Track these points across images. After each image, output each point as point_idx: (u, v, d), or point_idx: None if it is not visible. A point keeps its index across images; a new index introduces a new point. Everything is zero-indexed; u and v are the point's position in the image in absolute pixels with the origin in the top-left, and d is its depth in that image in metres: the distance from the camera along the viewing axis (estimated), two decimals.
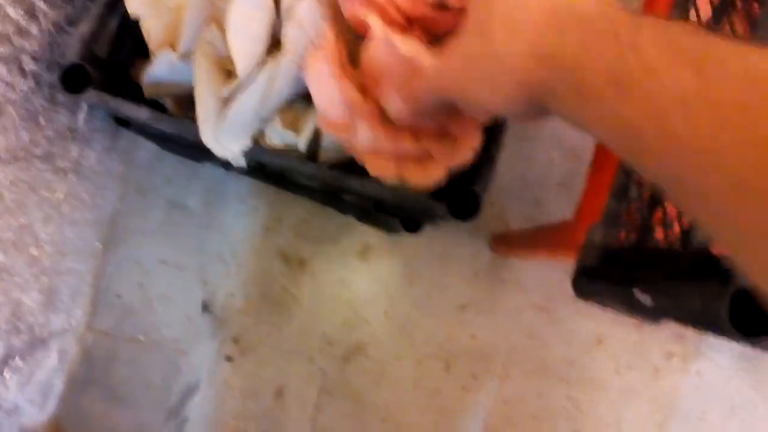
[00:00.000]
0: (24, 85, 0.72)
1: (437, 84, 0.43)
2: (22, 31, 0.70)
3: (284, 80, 0.59)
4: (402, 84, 0.49)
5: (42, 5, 0.72)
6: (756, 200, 0.23)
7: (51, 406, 1.01)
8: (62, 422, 1.03)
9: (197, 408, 1.05)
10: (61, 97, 0.79)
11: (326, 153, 0.68)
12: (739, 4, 0.65)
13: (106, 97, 0.66)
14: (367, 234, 1.05)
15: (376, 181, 0.67)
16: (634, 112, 0.27)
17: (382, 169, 0.57)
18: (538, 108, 0.36)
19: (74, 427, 1.03)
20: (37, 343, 0.92)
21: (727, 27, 0.65)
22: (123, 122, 0.84)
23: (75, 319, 1.01)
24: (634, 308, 0.57)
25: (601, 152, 0.73)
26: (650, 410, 1.06)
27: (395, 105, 0.50)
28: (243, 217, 1.05)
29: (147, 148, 1.04)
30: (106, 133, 0.95)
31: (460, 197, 0.65)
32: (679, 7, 0.67)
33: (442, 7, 0.51)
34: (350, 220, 1.04)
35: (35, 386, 0.95)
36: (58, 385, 1.02)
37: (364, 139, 0.55)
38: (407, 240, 1.05)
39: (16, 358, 0.87)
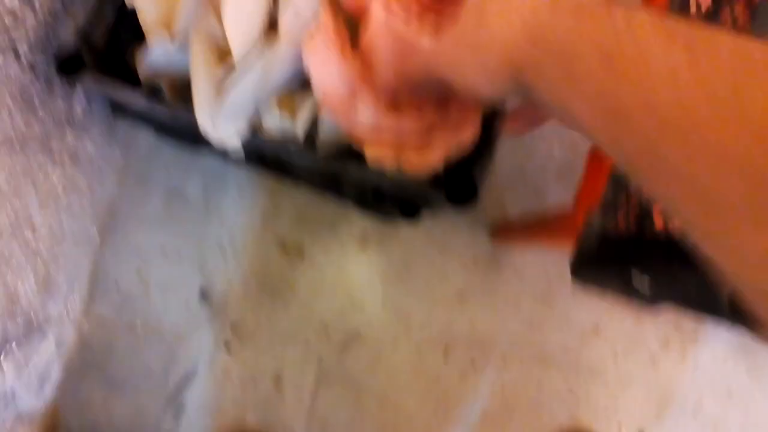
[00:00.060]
0: (20, 72, 0.71)
1: (430, 61, 0.43)
2: (17, 19, 0.70)
3: (281, 65, 0.59)
4: (397, 62, 0.48)
5: None
6: (734, 174, 0.23)
7: (48, 392, 1.01)
8: (60, 409, 1.03)
9: (195, 395, 1.05)
10: (58, 84, 0.79)
11: (324, 139, 0.67)
12: None
13: (102, 81, 0.65)
14: (366, 222, 1.05)
15: (374, 167, 0.67)
16: (623, 90, 0.27)
17: (380, 154, 0.57)
18: (521, 90, 0.36)
19: (72, 414, 1.04)
20: (33, 330, 0.91)
21: (728, 15, 0.65)
22: (120, 110, 0.84)
23: (72, 306, 1.01)
24: (631, 293, 0.57)
25: None
26: (647, 397, 1.07)
27: (386, 77, 0.50)
28: (241, 206, 1.05)
29: (145, 136, 1.04)
30: (103, 121, 0.95)
31: (458, 183, 0.65)
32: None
33: None
34: (349, 208, 1.04)
35: (32, 373, 0.94)
36: (56, 372, 1.02)
37: (365, 121, 0.54)
38: (406, 228, 1.05)
39: (13, 344, 0.87)
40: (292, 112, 0.64)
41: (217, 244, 1.05)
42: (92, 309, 1.04)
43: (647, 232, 0.57)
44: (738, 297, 0.26)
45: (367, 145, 0.56)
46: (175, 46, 0.65)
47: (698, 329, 1.06)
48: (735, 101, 0.23)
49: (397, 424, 1.05)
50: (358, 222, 1.05)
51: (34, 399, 0.97)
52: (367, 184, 0.77)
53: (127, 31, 0.72)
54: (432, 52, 0.43)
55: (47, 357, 0.98)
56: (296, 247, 1.05)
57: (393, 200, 0.83)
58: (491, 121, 0.63)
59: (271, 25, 0.60)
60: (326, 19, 0.55)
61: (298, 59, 0.58)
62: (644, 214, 0.58)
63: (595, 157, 0.72)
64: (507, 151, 1.05)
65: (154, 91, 0.71)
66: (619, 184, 0.62)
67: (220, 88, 0.61)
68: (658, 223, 0.56)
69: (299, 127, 0.64)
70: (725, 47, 0.25)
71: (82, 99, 0.87)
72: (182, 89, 0.70)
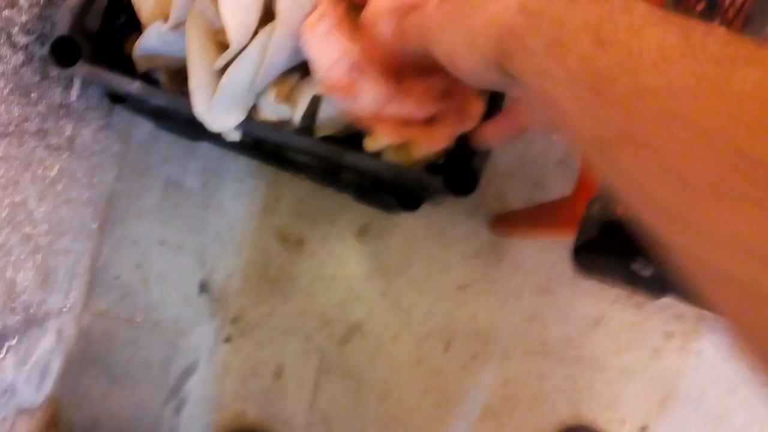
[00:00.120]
0: (14, 58, 0.71)
1: (424, 25, 0.43)
2: (12, 7, 0.69)
3: (278, 51, 0.58)
4: (396, 31, 0.48)
5: None
6: (711, 151, 0.23)
7: (48, 386, 1.01)
8: (60, 403, 1.03)
9: (196, 388, 1.04)
10: (53, 71, 0.78)
11: (322, 127, 0.67)
12: None
13: (98, 69, 0.65)
14: (365, 214, 1.04)
15: (373, 155, 0.66)
16: (611, 68, 0.27)
17: (386, 132, 0.56)
18: (499, 63, 0.36)
19: (72, 408, 1.03)
20: (33, 323, 0.91)
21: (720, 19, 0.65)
22: (117, 99, 0.84)
23: (72, 300, 1.01)
24: (635, 282, 0.57)
25: None
26: (650, 390, 1.06)
27: (384, 29, 0.50)
28: (241, 197, 1.05)
29: (143, 127, 1.03)
30: (100, 110, 0.94)
31: (458, 172, 0.64)
32: None
33: None
34: (348, 199, 1.03)
35: (32, 366, 0.94)
36: (56, 366, 1.01)
37: (369, 100, 0.54)
38: (406, 220, 1.05)
39: (13, 338, 0.87)
40: (291, 101, 0.64)
41: (216, 237, 1.04)
42: (92, 303, 1.04)
43: None
44: (688, 280, 0.26)
45: (372, 126, 0.56)
46: (171, 33, 0.64)
47: (701, 321, 1.06)
48: (722, 81, 0.23)
49: (397, 417, 1.05)
50: (357, 214, 1.04)
51: (34, 393, 0.97)
52: (365, 173, 0.76)
53: (123, 19, 0.71)
54: (429, 14, 0.43)
55: (47, 351, 0.98)
56: (296, 239, 1.05)
57: (392, 191, 0.83)
58: (492, 108, 0.62)
59: (268, 11, 0.60)
60: (328, 1, 0.55)
61: (296, 45, 0.57)
62: None
63: None
64: None
65: (150, 79, 0.71)
66: None
67: (217, 75, 0.61)
68: None
69: (297, 115, 0.64)
70: (718, 38, 0.25)
71: (78, 90, 0.86)
72: (179, 77, 0.69)
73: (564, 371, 1.06)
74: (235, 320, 1.05)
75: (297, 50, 0.57)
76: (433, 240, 1.05)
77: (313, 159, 0.82)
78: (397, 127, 0.55)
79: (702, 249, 0.24)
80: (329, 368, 1.05)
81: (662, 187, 0.25)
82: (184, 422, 1.04)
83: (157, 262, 1.04)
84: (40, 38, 0.75)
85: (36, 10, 0.72)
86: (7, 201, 0.77)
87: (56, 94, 0.81)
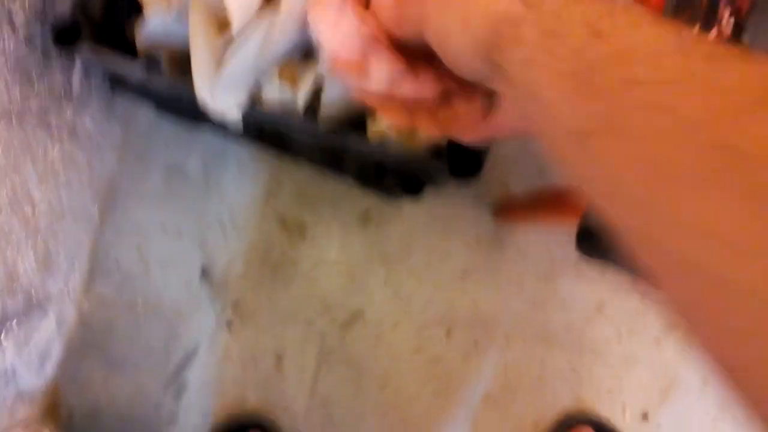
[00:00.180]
0: (16, 41, 0.70)
1: (422, 6, 0.43)
2: None
3: (281, 33, 0.57)
4: (398, 8, 0.48)
5: None
6: (693, 141, 0.23)
7: (49, 371, 1.00)
8: (60, 387, 1.03)
9: (196, 374, 1.04)
10: (55, 55, 0.77)
11: (326, 111, 0.66)
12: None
13: (100, 51, 0.64)
14: (367, 200, 1.04)
15: (378, 138, 0.66)
16: (601, 56, 0.28)
17: (393, 115, 0.55)
18: (490, 51, 0.36)
19: (72, 393, 1.03)
20: (33, 307, 0.91)
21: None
22: (119, 84, 0.83)
23: (72, 284, 1.00)
24: (637, 267, 0.56)
25: None
26: (652, 378, 1.06)
27: (385, 10, 0.49)
28: (242, 183, 1.04)
29: (144, 112, 1.02)
30: (102, 95, 0.94)
31: (462, 156, 0.64)
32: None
33: None
34: (350, 186, 1.03)
35: (33, 351, 0.94)
36: (56, 350, 1.01)
37: (379, 80, 0.53)
38: (408, 206, 1.04)
39: (13, 322, 0.87)
40: (294, 83, 0.63)
41: (217, 222, 1.04)
42: (92, 287, 1.03)
43: None
44: (651, 275, 0.26)
45: (380, 105, 0.55)
46: (174, 16, 0.64)
47: None
48: (711, 75, 0.23)
49: (398, 404, 1.05)
50: (359, 200, 1.04)
51: (34, 377, 0.97)
52: (368, 158, 0.75)
53: (125, 2, 0.71)
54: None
55: (47, 335, 0.97)
56: (297, 225, 1.04)
57: (395, 176, 0.82)
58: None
59: None
60: None
61: (300, 28, 0.57)
62: None
63: None
64: None
65: (152, 64, 0.70)
66: None
67: (219, 59, 0.60)
68: None
69: (300, 98, 0.63)
70: (710, 39, 0.26)
71: (80, 73, 0.85)
72: (181, 61, 0.69)
73: (565, 358, 1.06)
74: (235, 306, 1.04)
75: (300, 32, 0.57)
76: (434, 227, 1.05)
77: (315, 143, 0.82)
78: (403, 111, 0.55)
79: (673, 240, 0.23)
80: (330, 355, 1.05)
81: (641, 178, 0.25)
82: (184, 407, 1.04)
83: (158, 247, 1.04)
84: (43, 23, 0.74)
85: None
86: (7, 184, 0.76)
87: (57, 77, 0.81)
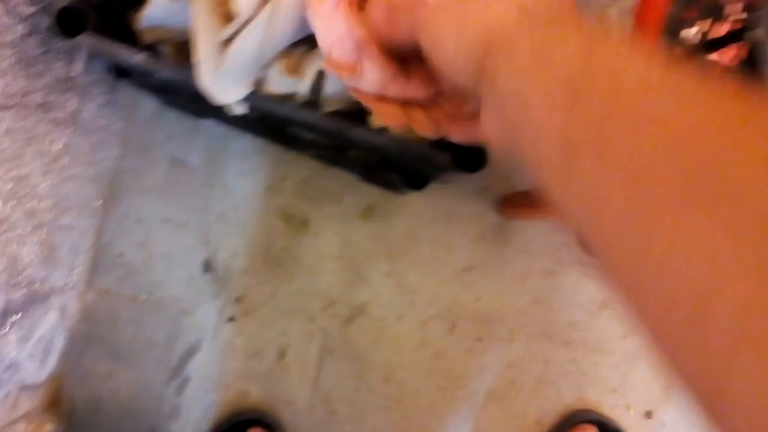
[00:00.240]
0: (19, 29, 0.70)
1: (418, 13, 0.43)
2: None
3: (285, 22, 0.57)
4: (390, 16, 0.48)
5: None
6: (678, 159, 0.23)
7: (51, 363, 1.00)
8: (63, 380, 1.03)
9: (199, 367, 1.04)
10: (58, 44, 0.77)
11: (329, 101, 0.66)
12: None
13: (102, 40, 0.64)
14: (371, 194, 1.04)
15: (380, 130, 0.65)
16: (590, 87, 0.28)
17: (388, 115, 0.55)
18: (480, 68, 0.36)
19: (75, 386, 1.03)
20: (36, 299, 0.91)
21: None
22: (122, 73, 0.83)
23: (75, 276, 1.00)
24: None
25: None
26: (655, 376, 1.05)
27: (378, 11, 0.49)
28: (245, 176, 1.04)
29: (147, 103, 1.02)
30: (104, 85, 0.94)
31: (466, 150, 0.63)
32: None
33: None
34: (353, 179, 1.02)
35: (35, 343, 0.94)
36: (59, 343, 1.01)
37: (371, 82, 0.53)
38: (411, 200, 1.04)
39: (16, 314, 0.87)
40: (297, 72, 0.63)
41: (220, 215, 1.04)
42: (95, 280, 1.03)
43: None
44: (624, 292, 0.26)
45: (375, 105, 0.55)
46: (176, 3, 0.64)
47: None
48: (697, 103, 0.24)
49: (401, 399, 1.05)
50: (362, 194, 1.04)
51: (37, 369, 0.97)
52: (372, 150, 0.75)
53: None
54: (425, 4, 0.43)
55: (51, 328, 0.97)
56: (300, 218, 1.04)
57: (399, 169, 0.82)
58: None
59: None
60: None
61: (304, 17, 0.56)
62: None
63: None
64: None
65: (155, 53, 0.70)
66: None
67: (222, 47, 0.60)
68: None
69: (304, 86, 0.63)
70: (699, 74, 0.26)
71: (82, 62, 0.85)
72: (184, 49, 0.68)
73: (569, 355, 1.05)
74: (238, 300, 1.04)
75: (304, 22, 0.56)
76: (438, 221, 1.04)
77: (318, 136, 0.82)
78: (398, 110, 0.55)
79: (656, 260, 0.23)
80: (333, 349, 1.04)
81: (625, 197, 0.25)
82: (186, 401, 1.04)
83: (161, 240, 1.04)
84: (46, 11, 0.74)
85: None
86: (11, 174, 0.76)
87: (60, 67, 0.81)
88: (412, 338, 1.05)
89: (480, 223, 1.04)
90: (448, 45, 0.39)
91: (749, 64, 0.55)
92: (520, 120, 0.33)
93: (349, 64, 0.54)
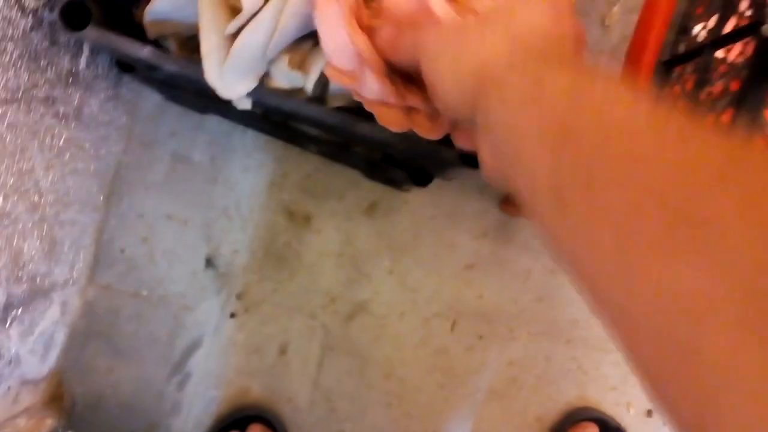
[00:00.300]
0: (23, 22, 0.70)
1: (419, 43, 0.45)
2: None
3: (292, 17, 0.57)
4: (396, 35, 0.49)
5: None
6: (659, 207, 0.23)
7: (53, 358, 1.00)
8: (64, 376, 1.03)
9: (201, 364, 1.04)
10: (62, 37, 0.77)
11: (334, 97, 0.66)
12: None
13: (108, 34, 0.64)
14: (374, 191, 1.04)
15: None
16: (579, 127, 0.28)
17: (390, 120, 0.56)
18: (475, 108, 0.38)
19: (76, 381, 1.03)
20: (38, 294, 0.91)
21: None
22: (126, 68, 0.83)
23: (77, 272, 1.00)
24: None
25: None
26: None
27: (385, 32, 0.50)
28: (249, 172, 1.04)
29: (151, 99, 1.02)
30: (108, 80, 0.93)
31: None
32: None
33: None
34: (357, 176, 1.02)
35: (37, 338, 0.94)
36: (60, 338, 1.01)
37: (372, 92, 0.53)
38: (414, 197, 1.04)
39: (18, 310, 0.87)
40: (303, 68, 0.63)
41: (223, 211, 1.04)
42: (97, 275, 1.03)
43: None
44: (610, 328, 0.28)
45: (377, 110, 0.55)
46: None
47: None
48: (682, 145, 0.24)
49: (402, 396, 1.05)
50: (365, 191, 1.04)
51: (38, 364, 0.97)
52: (376, 146, 0.75)
53: None
54: (426, 34, 0.44)
55: (52, 323, 0.97)
56: (303, 215, 1.04)
57: (403, 166, 0.82)
58: None
59: None
60: None
61: (311, 12, 0.56)
62: None
63: None
64: None
65: (161, 47, 0.70)
66: None
67: (229, 41, 0.60)
68: None
69: (309, 82, 0.63)
70: (685, 116, 0.26)
71: (87, 56, 0.85)
72: (189, 44, 0.68)
73: (571, 353, 1.06)
74: (240, 296, 1.04)
75: (311, 17, 0.56)
76: (441, 219, 1.05)
77: (323, 132, 0.82)
78: (400, 115, 0.55)
79: (641, 305, 0.24)
80: (334, 346, 1.04)
81: (611, 241, 0.25)
82: (188, 397, 1.04)
83: (163, 236, 1.04)
84: (50, 2, 0.74)
85: None
86: (14, 168, 0.76)
87: (65, 61, 0.80)
88: (413, 336, 1.05)
89: (483, 220, 1.04)
90: (445, 76, 0.40)
91: (756, 61, 0.55)
92: (512, 156, 0.33)
93: (349, 72, 0.54)
